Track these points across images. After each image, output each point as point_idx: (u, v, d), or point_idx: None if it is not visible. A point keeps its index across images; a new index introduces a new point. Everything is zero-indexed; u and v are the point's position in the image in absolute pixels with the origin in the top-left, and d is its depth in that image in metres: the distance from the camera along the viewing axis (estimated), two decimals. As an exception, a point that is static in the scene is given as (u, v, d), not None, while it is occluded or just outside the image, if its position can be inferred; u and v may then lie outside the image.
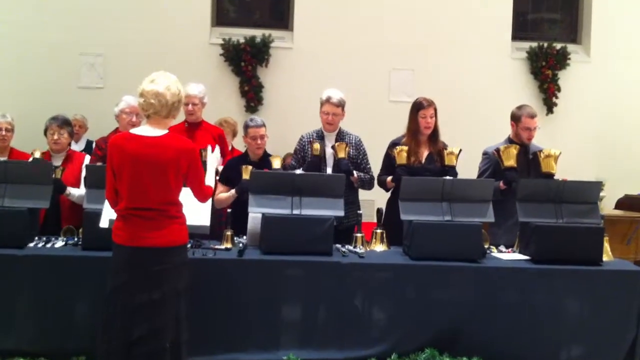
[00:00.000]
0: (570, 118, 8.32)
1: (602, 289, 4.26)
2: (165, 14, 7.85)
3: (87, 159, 5.07)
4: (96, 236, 3.95)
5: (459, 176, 4.87)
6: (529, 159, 5.08)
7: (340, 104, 5.14)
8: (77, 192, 4.74)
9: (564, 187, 4.52)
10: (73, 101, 7.40)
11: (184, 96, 5.13)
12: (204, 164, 4.71)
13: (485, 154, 5.18)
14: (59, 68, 7.69)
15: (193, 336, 3.62)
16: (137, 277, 3.38)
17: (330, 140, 5.16)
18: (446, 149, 5.05)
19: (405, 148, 4.96)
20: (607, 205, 7.21)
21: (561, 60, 8.37)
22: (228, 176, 4.95)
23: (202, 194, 3.66)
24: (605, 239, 4.48)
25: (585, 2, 8.67)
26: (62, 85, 7.63)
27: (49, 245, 4.27)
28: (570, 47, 8.49)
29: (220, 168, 5.01)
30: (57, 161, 4.93)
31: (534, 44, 8.40)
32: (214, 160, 4.10)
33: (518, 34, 8.55)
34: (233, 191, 4.83)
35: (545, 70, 8.32)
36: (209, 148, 4.23)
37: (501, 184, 4.86)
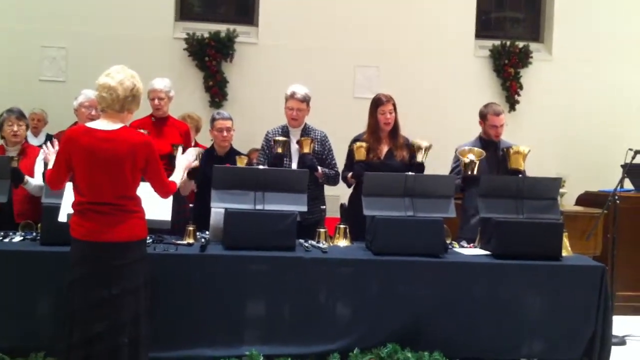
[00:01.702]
0: (532, 115, 8.43)
1: (561, 284, 4.31)
2: (129, 8, 7.78)
3: (42, 153, 4.99)
4: (55, 231, 3.89)
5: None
6: (499, 156, 5.14)
7: (305, 100, 5.12)
8: (33, 181, 4.68)
9: (525, 184, 4.57)
10: (34, 94, 7.32)
11: (150, 91, 5.17)
12: (174, 158, 4.65)
13: (457, 152, 5.23)
14: (19, 60, 7.57)
15: (155, 332, 3.61)
16: (95, 272, 3.34)
17: (295, 136, 5.14)
18: (413, 142, 5.06)
19: (365, 144, 4.97)
20: (568, 202, 7.32)
21: (523, 58, 8.48)
22: (192, 170, 4.88)
23: (163, 189, 3.61)
24: (565, 234, 4.54)
25: (548, 2, 8.79)
26: (22, 77, 7.53)
27: (6, 240, 4.19)
28: (533, 46, 8.60)
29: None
30: (12, 154, 4.85)
31: (497, 43, 8.49)
32: (183, 161, 4.05)
33: (481, 32, 8.64)
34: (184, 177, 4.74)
35: (508, 68, 8.42)
36: (180, 149, 4.20)
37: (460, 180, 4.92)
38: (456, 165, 5.19)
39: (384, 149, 5.13)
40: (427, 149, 4.98)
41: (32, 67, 7.64)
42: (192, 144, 6.04)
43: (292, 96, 5.11)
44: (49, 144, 4.26)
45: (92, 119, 4.93)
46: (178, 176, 3.86)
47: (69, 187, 3.68)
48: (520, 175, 4.78)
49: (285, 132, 5.18)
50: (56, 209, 3.89)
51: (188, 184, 4.84)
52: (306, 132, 5.19)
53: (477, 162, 4.84)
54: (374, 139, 5.09)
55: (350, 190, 5.22)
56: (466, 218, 5.17)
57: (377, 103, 5.12)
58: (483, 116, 5.25)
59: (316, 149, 5.10)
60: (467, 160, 4.84)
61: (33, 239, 4.22)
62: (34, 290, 3.94)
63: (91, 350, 3.32)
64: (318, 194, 5.15)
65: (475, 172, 4.82)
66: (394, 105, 5.11)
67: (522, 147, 4.94)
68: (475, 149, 5.00)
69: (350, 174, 5.05)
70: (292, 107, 5.12)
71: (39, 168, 4.74)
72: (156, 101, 5.30)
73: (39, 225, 4.21)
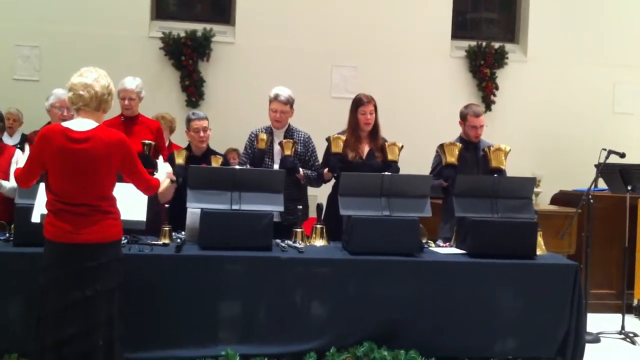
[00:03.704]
0: (508, 116, 8.51)
1: (536, 282, 4.34)
2: (104, 6, 7.73)
3: (18, 153, 4.94)
4: (28, 231, 3.84)
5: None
6: (479, 156, 5.17)
7: (289, 102, 5.13)
8: (8, 184, 4.63)
9: (500, 183, 4.60)
10: (7, 93, 7.26)
11: (120, 90, 5.13)
12: (147, 156, 4.62)
13: (437, 151, 5.24)
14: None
15: (130, 332, 3.57)
16: (69, 273, 3.31)
17: (279, 137, 5.15)
18: (387, 142, 5.10)
19: (342, 137, 4.98)
20: (543, 201, 7.39)
21: (499, 59, 8.56)
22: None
23: (145, 184, 3.59)
24: (539, 233, 4.58)
25: (523, 3, 8.87)
26: (-5, 76, 7.46)
27: (-21, 242, 4.14)
28: (508, 47, 8.69)
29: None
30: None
31: (473, 43, 8.57)
32: (166, 168, 4.04)
33: (457, 33, 8.70)
34: (168, 180, 4.74)
35: (484, 69, 8.49)
36: (161, 158, 4.20)
37: (442, 182, 4.94)
38: (436, 165, 5.21)
39: (365, 148, 5.15)
40: (400, 149, 5.02)
41: (6, 66, 7.57)
42: (166, 143, 6.00)
43: (275, 98, 5.12)
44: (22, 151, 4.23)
45: (64, 119, 4.87)
46: (161, 177, 3.85)
47: (42, 187, 3.65)
48: (495, 175, 4.82)
49: (269, 132, 5.19)
50: (29, 209, 3.85)
51: (169, 191, 4.81)
52: (290, 133, 5.20)
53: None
54: (354, 139, 5.10)
55: (329, 190, 5.22)
56: (446, 218, 5.18)
57: (358, 103, 5.13)
58: (463, 117, 5.29)
59: (299, 150, 5.10)
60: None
61: (6, 240, 4.17)
62: (7, 291, 3.89)
63: (65, 352, 3.29)
64: (300, 195, 5.14)
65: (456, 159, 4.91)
66: (375, 106, 5.13)
67: (503, 145, 4.98)
68: (457, 143, 5.05)
69: (326, 169, 5.05)
70: (275, 109, 5.13)
71: (14, 169, 4.68)
72: (126, 102, 5.25)
73: (12, 226, 4.16)
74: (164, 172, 3.98)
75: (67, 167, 3.32)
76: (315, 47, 8.05)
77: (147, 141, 4.67)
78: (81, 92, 3.39)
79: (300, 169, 5.07)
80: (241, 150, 5.52)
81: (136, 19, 7.86)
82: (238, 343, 4.04)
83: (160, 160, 4.17)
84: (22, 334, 3.77)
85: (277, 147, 5.10)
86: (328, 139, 5.05)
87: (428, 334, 4.19)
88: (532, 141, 8.43)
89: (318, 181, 5.24)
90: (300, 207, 4.80)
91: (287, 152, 4.96)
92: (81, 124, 3.39)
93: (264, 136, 5.00)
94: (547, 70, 8.61)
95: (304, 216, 4.93)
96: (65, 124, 3.42)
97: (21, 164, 3.67)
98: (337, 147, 4.96)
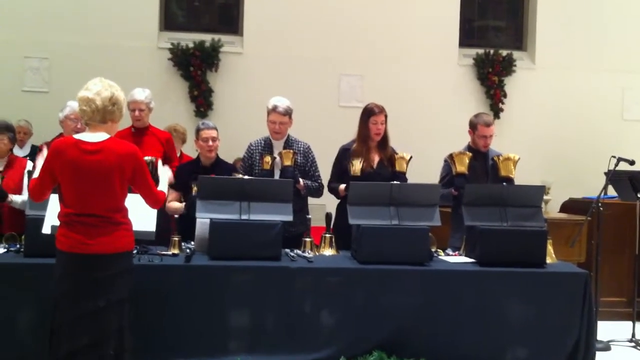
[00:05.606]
0: (517, 123, 8.47)
1: (546, 291, 4.33)
2: (113, 18, 7.77)
3: (29, 164, 4.97)
4: (39, 242, 3.86)
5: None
6: (488, 165, 5.17)
7: (287, 113, 5.08)
8: (19, 198, 4.65)
9: (509, 191, 4.60)
10: (17, 105, 7.29)
11: (130, 102, 5.15)
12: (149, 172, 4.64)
13: (446, 160, 5.25)
14: (1, 71, 7.55)
15: (140, 343, 3.59)
16: (81, 284, 3.33)
17: (278, 148, 5.11)
18: (397, 154, 5.10)
19: (360, 160, 4.95)
20: (553, 209, 7.36)
21: (507, 66, 8.54)
22: (178, 182, 4.87)
23: (152, 198, 3.60)
24: (549, 241, 4.57)
25: (530, 10, 8.86)
26: (5, 88, 7.49)
27: (-10, 253, 4.16)
28: (516, 54, 8.66)
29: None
30: (-2, 168, 4.82)
31: (481, 51, 8.54)
32: (165, 172, 4.05)
33: (465, 40, 8.69)
34: (182, 206, 4.78)
35: (492, 77, 8.46)
36: (160, 162, 4.19)
37: (452, 190, 4.94)
38: (445, 174, 5.21)
39: (376, 158, 5.15)
40: (408, 160, 5.02)
41: (15, 77, 7.61)
42: (178, 154, 6.03)
43: (274, 110, 5.07)
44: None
45: (78, 131, 4.90)
46: (164, 187, 3.86)
47: (53, 198, 3.66)
48: (504, 183, 4.81)
49: (268, 143, 5.16)
50: (40, 220, 3.86)
51: (177, 212, 4.83)
52: (289, 143, 5.16)
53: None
54: (365, 149, 5.10)
55: (338, 199, 5.22)
56: (456, 227, 5.17)
57: (369, 113, 5.13)
58: (473, 126, 5.28)
59: (299, 161, 5.08)
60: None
61: (17, 251, 4.19)
62: (17, 302, 3.90)
63: (77, 363, 3.31)
64: (302, 206, 5.09)
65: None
66: (386, 116, 5.13)
67: (512, 154, 4.98)
68: (467, 152, 5.06)
69: (342, 187, 5.02)
70: (274, 120, 5.08)
71: (27, 182, 4.69)
72: (137, 113, 5.26)
73: (23, 237, 4.18)
74: (165, 178, 3.97)
75: (80, 178, 3.34)
76: (322, 56, 8.06)
77: (148, 159, 4.68)
78: (84, 107, 3.42)
79: (301, 180, 5.03)
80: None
81: (145, 30, 7.90)
82: (247, 353, 4.05)
83: (159, 165, 4.15)
84: (33, 345, 3.78)
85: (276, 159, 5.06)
86: (345, 161, 5.01)
87: (438, 343, 4.19)
88: (541, 148, 8.39)
89: (319, 192, 5.21)
90: (310, 216, 4.80)
91: (287, 163, 4.93)
92: (93, 136, 3.41)
93: (268, 158, 4.96)
94: (555, 78, 8.58)
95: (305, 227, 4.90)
96: (77, 136, 3.46)
97: (34, 174, 3.69)
98: (356, 171, 4.92)
